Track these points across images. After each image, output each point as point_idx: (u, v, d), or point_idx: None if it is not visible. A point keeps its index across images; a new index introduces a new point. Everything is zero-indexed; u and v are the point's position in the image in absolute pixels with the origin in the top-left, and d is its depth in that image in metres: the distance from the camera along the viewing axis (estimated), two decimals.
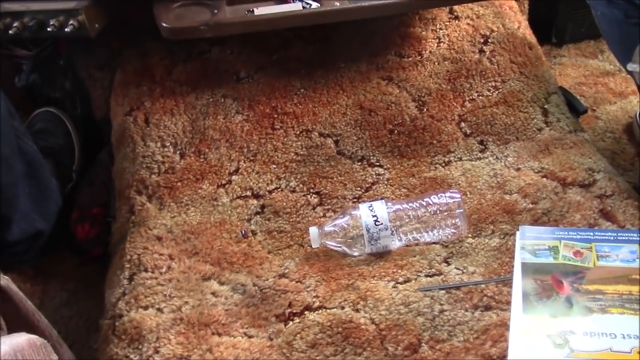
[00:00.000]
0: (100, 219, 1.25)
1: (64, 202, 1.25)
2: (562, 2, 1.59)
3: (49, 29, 1.16)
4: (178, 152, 1.22)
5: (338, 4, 1.20)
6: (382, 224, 0.97)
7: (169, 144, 1.23)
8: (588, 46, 1.66)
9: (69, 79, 1.43)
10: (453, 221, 1.00)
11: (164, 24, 1.21)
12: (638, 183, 1.18)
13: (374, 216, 0.98)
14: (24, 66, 1.42)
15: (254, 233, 1.09)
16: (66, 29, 1.16)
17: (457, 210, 1.00)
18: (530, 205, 1.06)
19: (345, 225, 0.99)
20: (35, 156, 1.17)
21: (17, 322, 0.79)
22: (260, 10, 1.22)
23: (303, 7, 1.20)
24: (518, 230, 1.00)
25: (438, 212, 1.00)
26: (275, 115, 1.26)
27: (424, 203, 1.00)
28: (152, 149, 1.22)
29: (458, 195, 1.01)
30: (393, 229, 0.99)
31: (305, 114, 1.26)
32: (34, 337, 0.68)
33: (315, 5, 1.21)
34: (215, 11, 1.22)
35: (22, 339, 0.67)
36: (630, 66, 1.08)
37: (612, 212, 1.02)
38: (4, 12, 1.18)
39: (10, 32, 1.16)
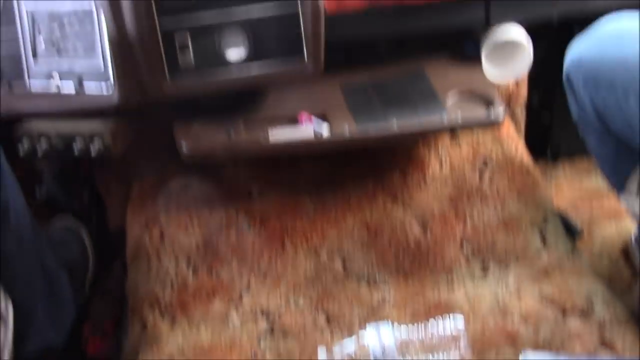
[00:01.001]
0: (111, 332, 1.28)
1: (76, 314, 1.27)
2: (557, 119, 1.67)
3: (75, 152, 1.20)
4: (191, 269, 1.26)
5: (347, 127, 1.27)
6: (389, 354, 1.01)
7: (182, 260, 1.27)
8: (583, 163, 1.72)
9: (86, 190, 1.49)
10: (457, 351, 1.03)
11: (184, 144, 1.28)
12: (636, 308, 1.20)
13: (381, 345, 1.01)
14: (44, 176, 1.47)
15: (263, 356, 1.11)
16: (91, 152, 1.20)
17: (461, 340, 1.03)
18: (532, 333, 1.09)
19: (353, 356, 1.02)
20: (56, 273, 1.19)
21: None
22: (275, 135, 1.28)
23: (315, 134, 1.27)
24: (520, 355, 1.03)
25: (442, 339, 1.03)
26: (286, 234, 1.31)
27: (429, 331, 1.04)
28: (165, 264, 1.27)
29: (461, 323, 1.05)
30: (399, 356, 1.02)
31: (315, 233, 1.31)
32: None
33: (325, 125, 1.27)
34: (232, 133, 1.29)
35: None
36: (623, 198, 1.14)
37: (611, 341, 1.06)
38: (34, 133, 1.23)
39: (38, 154, 1.21)
